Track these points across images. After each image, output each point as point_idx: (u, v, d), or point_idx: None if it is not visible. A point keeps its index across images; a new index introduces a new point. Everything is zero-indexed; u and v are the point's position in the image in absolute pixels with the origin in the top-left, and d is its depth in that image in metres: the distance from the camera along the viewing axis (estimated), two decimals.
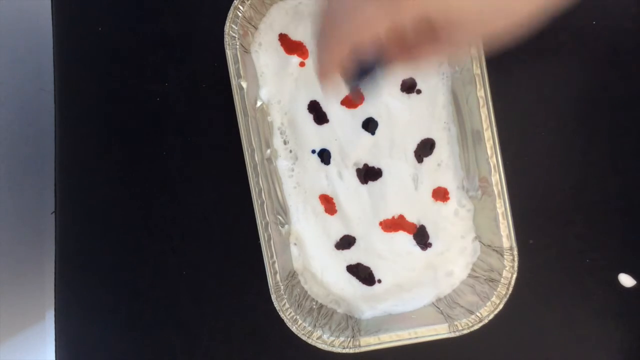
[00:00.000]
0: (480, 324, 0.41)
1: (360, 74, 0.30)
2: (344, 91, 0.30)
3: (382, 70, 0.30)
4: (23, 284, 0.63)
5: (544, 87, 0.45)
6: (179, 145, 0.48)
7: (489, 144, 0.40)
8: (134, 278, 0.48)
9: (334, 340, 0.42)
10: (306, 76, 0.44)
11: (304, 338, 0.42)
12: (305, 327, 0.43)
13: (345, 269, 0.46)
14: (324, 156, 0.45)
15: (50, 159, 0.49)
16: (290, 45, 0.44)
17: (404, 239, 0.45)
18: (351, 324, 0.44)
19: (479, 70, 0.40)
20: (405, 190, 0.44)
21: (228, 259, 0.48)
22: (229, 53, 0.41)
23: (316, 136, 0.45)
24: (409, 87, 0.44)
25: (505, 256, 0.41)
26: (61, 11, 0.48)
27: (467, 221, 0.45)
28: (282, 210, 0.45)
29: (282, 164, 0.45)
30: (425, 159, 0.44)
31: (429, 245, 0.45)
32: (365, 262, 0.45)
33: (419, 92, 0.44)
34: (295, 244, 0.46)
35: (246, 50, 0.43)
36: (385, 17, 0.26)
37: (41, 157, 0.63)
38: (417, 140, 0.44)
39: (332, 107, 0.44)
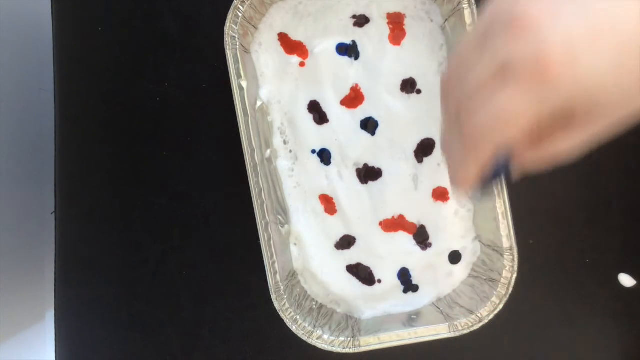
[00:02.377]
0: (480, 324, 0.41)
1: (495, 175, 0.26)
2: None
3: (512, 165, 0.26)
4: (23, 284, 0.63)
5: None
6: (179, 145, 0.48)
7: None
8: (134, 278, 0.48)
9: (334, 340, 0.42)
10: (306, 76, 0.44)
11: (304, 338, 0.42)
12: (305, 327, 0.43)
13: (345, 269, 0.46)
14: (324, 156, 0.45)
15: (50, 158, 0.49)
16: (290, 45, 0.44)
17: (404, 239, 0.45)
18: (351, 324, 0.44)
19: None
20: (405, 190, 0.44)
21: (228, 259, 0.48)
22: (229, 53, 0.41)
23: (316, 136, 0.45)
24: (409, 87, 0.44)
25: (505, 256, 0.41)
26: (61, 11, 0.48)
27: (467, 221, 0.45)
28: (282, 210, 0.45)
29: (282, 164, 0.45)
30: (425, 159, 0.44)
31: (429, 245, 0.45)
32: (365, 262, 0.45)
33: (419, 92, 0.44)
34: (295, 244, 0.46)
35: (246, 50, 0.43)
36: (532, 106, 0.23)
37: (41, 157, 0.63)
38: (417, 140, 0.44)
39: (332, 107, 0.44)
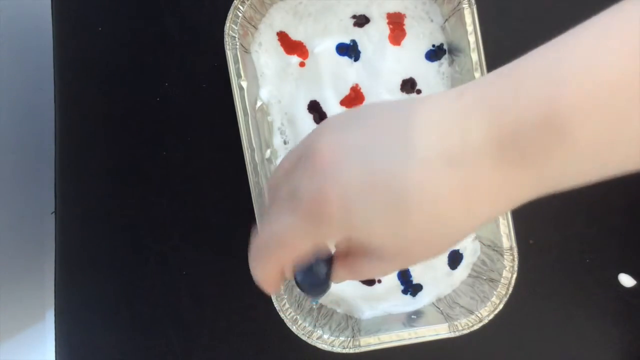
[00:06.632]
0: (480, 324, 0.41)
1: (303, 272, 0.29)
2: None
3: (326, 267, 0.29)
4: (23, 284, 0.63)
5: None
6: (179, 145, 0.48)
7: None
8: (134, 278, 0.48)
9: (334, 340, 0.42)
10: (306, 76, 0.44)
11: (304, 338, 0.42)
12: (305, 327, 0.43)
13: None
14: None
15: (50, 158, 0.49)
16: (290, 45, 0.44)
17: None
18: (351, 324, 0.44)
19: (478, 72, 0.40)
20: None
21: (228, 259, 0.48)
22: (229, 53, 0.41)
23: None
24: (409, 87, 0.44)
25: (505, 256, 0.41)
26: (61, 11, 0.48)
27: None
28: None
29: None
30: None
31: None
32: None
33: (419, 92, 0.44)
34: None
35: (246, 50, 0.43)
36: (307, 235, 0.25)
37: (41, 157, 0.63)
38: None
39: (332, 107, 0.44)
